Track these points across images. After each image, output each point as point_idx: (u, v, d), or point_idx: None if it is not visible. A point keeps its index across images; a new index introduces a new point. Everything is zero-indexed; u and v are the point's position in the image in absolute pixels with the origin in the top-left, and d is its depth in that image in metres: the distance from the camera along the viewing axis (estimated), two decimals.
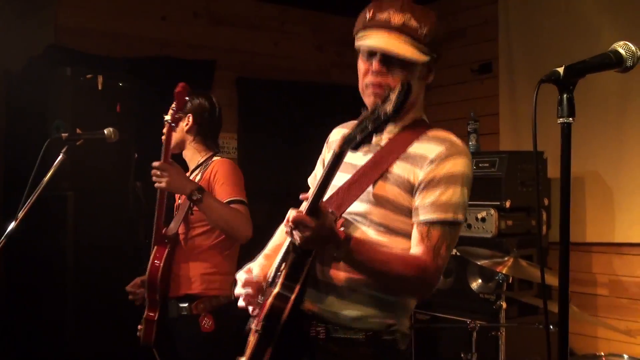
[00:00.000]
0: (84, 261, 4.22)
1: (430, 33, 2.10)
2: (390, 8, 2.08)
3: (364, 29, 2.12)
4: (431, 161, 2.04)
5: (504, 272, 3.56)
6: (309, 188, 2.13)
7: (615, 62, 1.60)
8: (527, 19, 5.05)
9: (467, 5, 5.57)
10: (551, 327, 2.13)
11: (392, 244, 2.06)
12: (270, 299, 2.04)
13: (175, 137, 3.28)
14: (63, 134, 3.15)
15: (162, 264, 3.15)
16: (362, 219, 2.10)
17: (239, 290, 2.22)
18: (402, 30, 2.06)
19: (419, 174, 2.05)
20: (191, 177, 3.26)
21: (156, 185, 3.07)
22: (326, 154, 2.39)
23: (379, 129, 1.79)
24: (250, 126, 5.41)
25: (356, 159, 2.15)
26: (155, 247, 3.19)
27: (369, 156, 2.15)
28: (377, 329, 2.09)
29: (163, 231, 3.23)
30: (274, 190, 5.33)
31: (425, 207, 2.02)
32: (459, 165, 2.05)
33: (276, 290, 2.05)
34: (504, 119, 5.23)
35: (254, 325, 2.15)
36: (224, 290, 3.21)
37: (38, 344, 4.30)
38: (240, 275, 2.24)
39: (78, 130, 3.44)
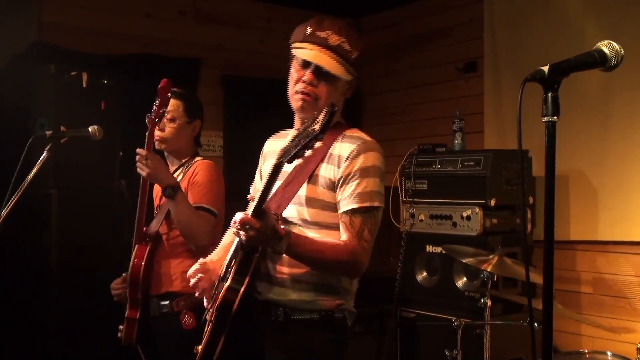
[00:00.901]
0: (68, 260, 4.19)
1: (358, 57, 2.45)
2: (329, 29, 2.42)
3: (303, 41, 2.44)
4: (346, 159, 2.36)
5: (489, 270, 3.58)
6: None
7: (600, 61, 1.62)
8: (512, 18, 5.07)
9: (453, 4, 5.58)
10: (535, 324, 2.14)
11: (326, 237, 2.36)
12: (222, 292, 2.31)
13: (181, 141, 3.33)
14: (47, 132, 3.15)
15: (144, 263, 3.16)
16: (297, 220, 2.40)
17: (193, 281, 2.46)
18: (336, 50, 2.40)
19: (337, 172, 2.36)
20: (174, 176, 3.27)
21: (138, 171, 3.08)
22: (262, 165, 2.75)
23: (309, 144, 2.01)
24: (236, 125, 5.40)
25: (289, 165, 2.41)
26: (137, 245, 3.19)
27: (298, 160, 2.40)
28: (328, 308, 2.40)
29: (144, 230, 3.23)
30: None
31: (344, 199, 2.34)
32: (370, 159, 2.36)
33: (227, 284, 2.32)
34: (489, 118, 5.24)
35: (208, 316, 2.42)
36: None
37: (21, 343, 4.27)
38: (193, 267, 2.50)
39: (62, 128, 3.41)
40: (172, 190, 3.03)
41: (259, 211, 2.14)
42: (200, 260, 2.53)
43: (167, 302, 3.17)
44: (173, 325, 3.14)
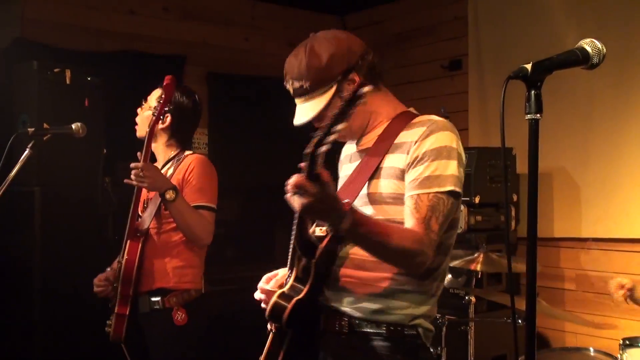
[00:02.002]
0: (51, 257, 4.16)
1: (312, 78, 2.15)
2: (288, 75, 2.21)
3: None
4: (415, 142, 2.07)
5: (477, 269, 3.60)
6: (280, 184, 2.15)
7: (582, 59, 1.62)
8: (496, 16, 5.09)
9: (437, 3, 5.60)
10: (519, 321, 2.15)
11: None
12: (274, 298, 2.09)
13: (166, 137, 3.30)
14: (29, 129, 3.11)
15: (137, 259, 3.13)
16: None
17: (257, 294, 2.27)
18: (297, 95, 2.21)
19: (406, 159, 2.07)
20: (163, 171, 3.24)
21: (137, 184, 3.06)
22: (340, 172, 2.40)
23: (316, 154, 1.78)
24: (221, 122, 5.38)
25: (349, 167, 2.24)
26: (128, 242, 3.15)
27: (358, 162, 2.22)
28: (399, 321, 2.09)
29: (136, 225, 3.20)
30: (244, 185, 5.33)
31: (411, 183, 2.04)
32: (441, 139, 2.08)
33: (282, 290, 2.11)
34: (473, 115, 5.27)
35: (269, 326, 2.20)
36: (195, 283, 3.22)
37: (5, 340, 4.25)
38: (263, 280, 2.31)
39: (45, 125, 3.39)
40: (173, 192, 3.02)
41: (315, 174, 1.80)
42: (273, 272, 2.32)
43: (158, 299, 3.13)
44: (164, 321, 3.12)
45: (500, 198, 4.46)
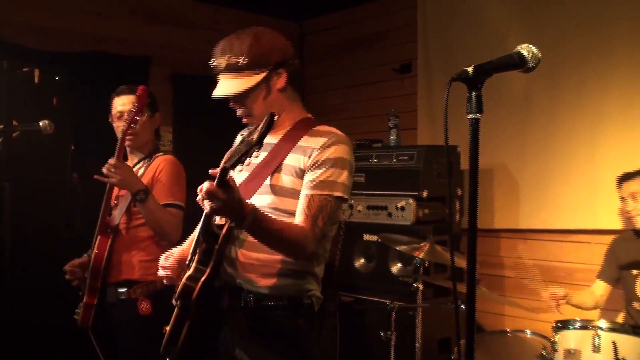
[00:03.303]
0: (21, 250, 4.12)
1: (251, 55, 2.26)
2: (217, 53, 2.32)
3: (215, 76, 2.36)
4: (317, 149, 2.25)
5: (421, 256, 3.62)
6: None
7: (519, 62, 1.64)
8: (443, 23, 5.12)
9: (389, 10, 5.62)
10: (462, 306, 2.18)
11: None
12: (182, 280, 2.22)
13: (145, 136, 3.29)
14: None
15: (106, 254, 3.13)
16: (267, 208, 2.27)
17: (160, 272, 2.43)
18: (227, 70, 2.29)
19: (307, 161, 2.25)
20: (134, 170, 3.23)
21: (108, 180, 3.05)
22: None
23: (250, 152, 1.96)
24: (185, 120, 5.33)
25: (254, 159, 2.36)
26: (99, 236, 3.15)
27: (264, 155, 2.35)
28: (296, 294, 2.31)
29: (106, 221, 3.19)
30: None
31: (308, 183, 2.23)
32: (339, 151, 2.26)
33: (188, 272, 2.22)
34: (421, 116, 5.29)
35: (173, 301, 2.32)
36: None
37: None
38: (161, 259, 2.45)
39: (14, 122, 3.34)
40: (144, 194, 3.03)
41: (224, 182, 1.99)
42: (168, 252, 2.48)
43: (124, 289, 3.15)
44: (130, 311, 3.12)
45: (446, 192, 4.50)
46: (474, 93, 1.63)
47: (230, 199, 1.99)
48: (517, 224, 4.73)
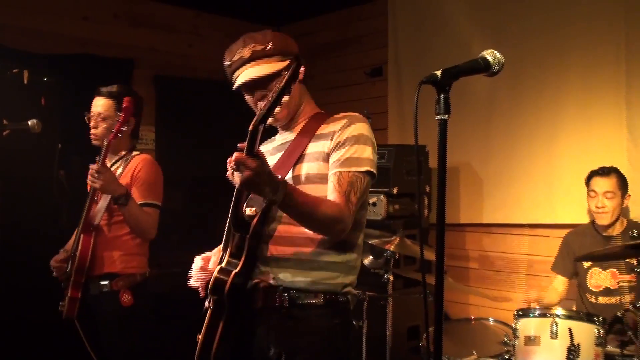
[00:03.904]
0: (10, 244, 4.07)
1: (275, 44, 2.19)
2: (238, 48, 2.20)
3: (231, 75, 2.23)
4: (337, 131, 2.15)
5: (391, 249, 3.63)
6: (219, 176, 2.12)
7: (484, 67, 1.65)
8: (412, 30, 5.13)
9: (362, 17, 5.62)
10: (430, 296, 2.19)
11: None
12: (214, 274, 2.08)
13: (121, 138, 3.24)
14: None
15: (90, 252, 3.12)
16: None
17: (194, 273, 2.25)
18: (253, 58, 2.17)
19: (330, 144, 2.14)
20: (113, 168, 3.22)
21: (91, 185, 3.04)
22: None
23: (278, 100, 1.83)
24: (166, 120, 5.29)
25: (273, 159, 2.23)
26: (82, 235, 3.13)
27: (282, 152, 2.24)
28: (333, 290, 2.14)
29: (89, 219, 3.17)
30: (188, 178, 5.28)
31: (335, 162, 2.11)
32: (360, 128, 2.17)
33: (220, 265, 2.09)
34: (392, 117, 5.30)
35: (207, 303, 2.16)
36: (140, 268, 3.26)
37: None
38: (197, 261, 2.27)
39: (4, 122, 3.30)
40: (125, 199, 3.03)
41: (253, 149, 1.82)
42: (206, 254, 2.29)
43: (107, 282, 3.15)
44: (112, 302, 3.12)
45: (415, 189, 4.51)
46: (442, 95, 1.64)
47: (261, 168, 1.83)
48: (481, 219, 4.76)
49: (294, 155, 2.20)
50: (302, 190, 2.06)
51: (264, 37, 2.20)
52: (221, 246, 2.22)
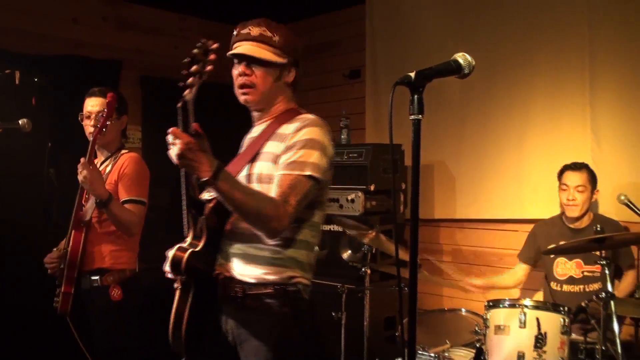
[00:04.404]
0: (2, 239, 4.02)
1: (283, 40, 2.25)
2: (250, 25, 2.24)
3: (233, 44, 2.25)
4: (291, 134, 2.16)
5: (367, 243, 3.63)
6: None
7: (456, 69, 1.65)
8: (389, 33, 5.13)
9: (341, 21, 5.62)
10: (405, 288, 2.19)
11: None
12: (172, 251, 2.10)
13: (111, 136, 3.23)
14: None
15: (81, 247, 3.10)
16: None
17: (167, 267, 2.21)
18: (259, 39, 2.21)
19: (282, 146, 2.16)
20: (102, 167, 3.21)
21: (81, 184, 3.02)
22: None
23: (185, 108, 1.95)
24: (152, 119, 5.25)
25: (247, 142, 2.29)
26: (73, 231, 3.11)
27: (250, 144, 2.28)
28: (281, 282, 2.15)
29: (79, 216, 3.15)
30: (174, 175, 5.22)
31: (280, 165, 2.13)
32: (310, 133, 2.16)
33: (178, 244, 2.12)
34: (369, 117, 5.30)
35: (175, 284, 2.17)
36: (130, 264, 3.24)
37: None
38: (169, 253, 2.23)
39: None
40: (102, 204, 3.00)
41: (187, 126, 1.90)
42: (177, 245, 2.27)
43: (97, 277, 3.13)
44: (103, 297, 3.11)
45: (391, 186, 4.52)
46: (415, 96, 1.64)
47: (192, 144, 1.89)
48: (454, 215, 4.78)
49: (251, 152, 2.23)
50: (257, 188, 2.11)
51: (277, 29, 2.25)
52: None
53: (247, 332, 2.16)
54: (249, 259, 2.16)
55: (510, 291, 4.42)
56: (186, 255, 2.07)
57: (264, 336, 2.14)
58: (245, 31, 2.24)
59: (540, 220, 3.99)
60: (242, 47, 2.21)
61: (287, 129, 2.20)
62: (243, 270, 2.16)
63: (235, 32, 2.27)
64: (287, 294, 2.16)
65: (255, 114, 2.35)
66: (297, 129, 2.17)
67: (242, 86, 2.24)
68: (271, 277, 2.15)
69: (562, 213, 3.86)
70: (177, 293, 2.15)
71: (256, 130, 2.31)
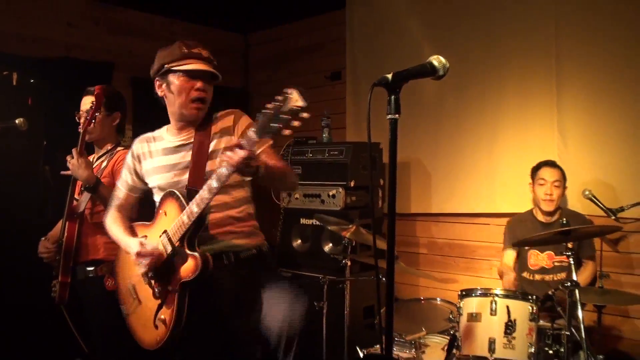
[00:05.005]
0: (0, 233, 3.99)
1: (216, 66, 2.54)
2: (197, 46, 2.50)
3: (183, 59, 2.46)
4: (232, 125, 2.49)
5: (348, 237, 3.63)
6: None
7: (431, 71, 1.65)
8: (368, 38, 5.12)
9: (322, 25, 5.60)
10: (383, 279, 2.19)
11: (237, 195, 2.55)
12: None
13: (104, 131, 3.21)
14: None
15: (75, 237, 3.08)
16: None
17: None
18: (209, 60, 2.50)
19: (235, 136, 2.45)
20: (98, 162, 3.20)
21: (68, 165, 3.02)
22: (136, 165, 2.70)
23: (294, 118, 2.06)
24: (143, 119, 5.17)
25: (172, 159, 2.55)
26: (67, 222, 3.09)
27: (183, 153, 2.53)
28: (258, 245, 2.59)
29: (73, 208, 3.13)
30: None
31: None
32: (247, 118, 2.53)
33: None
34: (349, 116, 5.29)
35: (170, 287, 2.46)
36: None
37: None
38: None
39: None
40: (92, 188, 2.99)
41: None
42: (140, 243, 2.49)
43: (92, 268, 3.10)
44: (97, 287, 3.07)
45: (370, 182, 4.52)
46: (392, 96, 1.64)
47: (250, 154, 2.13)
48: (430, 209, 4.79)
49: (203, 153, 2.45)
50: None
51: (211, 54, 2.53)
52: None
53: (244, 288, 2.49)
54: (232, 235, 2.51)
55: (481, 280, 4.45)
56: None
57: (256, 283, 2.50)
58: (196, 50, 2.46)
59: (514, 215, 4.01)
60: (200, 65, 2.44)
61: (223, 123, 2.50)
62: (233, 242, 2.50)
63: (184, 49, 2.47)
64: (263, 253, 2.60)
65: (180, 124, 2.57)
66: (235, 120, 2.49)
67: (199, 100, 2.47)
68: (253, 244, 2.57)
69: (533, 209, 3.88)
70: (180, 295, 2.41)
71: (177, 140, 2.56)
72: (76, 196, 3.18)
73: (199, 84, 2.45)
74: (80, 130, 3.09)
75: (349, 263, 3.77)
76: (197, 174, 2.43)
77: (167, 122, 2.73)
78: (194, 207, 2.30)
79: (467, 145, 4.50)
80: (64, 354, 3.68)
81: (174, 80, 2.48)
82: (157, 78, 2.56)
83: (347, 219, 4.00)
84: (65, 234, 3.07)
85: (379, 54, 5.01)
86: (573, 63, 3.97)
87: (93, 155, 3.28)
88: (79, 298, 3.12)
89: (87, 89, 3.25)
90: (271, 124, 1.98)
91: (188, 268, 2.36)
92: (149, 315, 2.53)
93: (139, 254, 2.45)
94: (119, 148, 3.26)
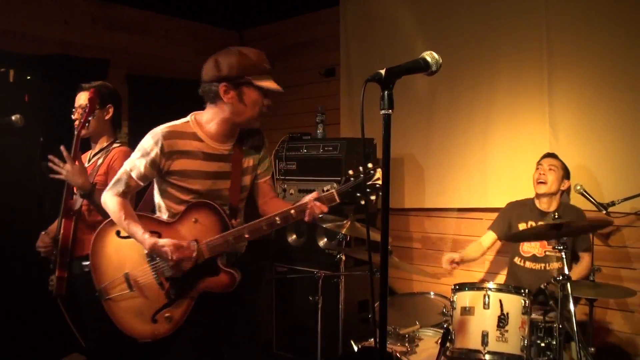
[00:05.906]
0: None
1: None
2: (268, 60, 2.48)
3: (264, 74, 2.41)
4: (262, 147, 2.67)
5: (343, 232, 3.62)
6: None
7: (424, 66, 1.64)
8: (362, 34, 5.12)
9: (317, 22, 5.59)
10: (377, 273, 2.18)
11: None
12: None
13: (98, 126, 3.19)
14: None
15: (71, 234, 3.08)
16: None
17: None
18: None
19: (257, 158, 2.65)
20: (94, 160, 3.18)
21: (57, 175, 3.00)
22: (163, 160, 2.52)
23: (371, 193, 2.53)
24: (138, 115, 5.17)
25: (214, 166, 2.51)
26: (64, 219, 3.08)
27: (223, 163, 2.53)
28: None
29: (69, 205, 3.12)
30: None
31: (266, 171, 2.73)
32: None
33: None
34: (344, 113, 5.29)
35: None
36: None
37: None
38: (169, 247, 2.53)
39: None
40: (87, 194, 2.98)
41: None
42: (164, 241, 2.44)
43: (87, 263, 3.04)
44: (92, 282, 2.99)
45: None
46: (386, 92, 1.62)
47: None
48: (423, 204, 4.79)
49: (238, 169, 2.55)
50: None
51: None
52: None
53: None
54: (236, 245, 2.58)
55: (474, 273, 4.46)
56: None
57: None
58: (270, 67, 2.44)
59: (514, 201, 4.00)
60: (276, 86, 2.43)
61: (252, 143, 2.62)
62: (234, 251, 2.61)
63: (266, 66, 2.42)
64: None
65: (229, 132, 2.52)
66: (264, 141, 2.67)
67: (261, 115, 2.49)
68: (242, 246, 2.68)
69: (534, 197, 3.88)
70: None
71: (222, 148, 2.53)
72: (75, 191, 3.16)
73: (268, 102, 2.48)
74: (75, 132, 3.08)
75: (343, 258, 3.77)
76: (236, 189, 2.53)
77: (162, 119, 2.70)
78: (245, 233, 2.43)
79: (460, 140, 4.50)
80: (61, 347, 3.67)
81: (251, 93, 2.41)
82: (225, 83, 2.38)
83: (342, 215, 3.99)
84: (62, 232, 3.06)
85: (372, 50, 5.00)
86: (564, 57, 3.96)
87: (90, 152, 3.26)
88: (75, 292, 3.12)
89: (81, 85, 3.25)
90: (357, 193, 2.29)
91: (221, 282, 2.47)
92: (147, 307, 2.53)
93: (180, 259, 2.41)
94: (115, 144, 3.24)
